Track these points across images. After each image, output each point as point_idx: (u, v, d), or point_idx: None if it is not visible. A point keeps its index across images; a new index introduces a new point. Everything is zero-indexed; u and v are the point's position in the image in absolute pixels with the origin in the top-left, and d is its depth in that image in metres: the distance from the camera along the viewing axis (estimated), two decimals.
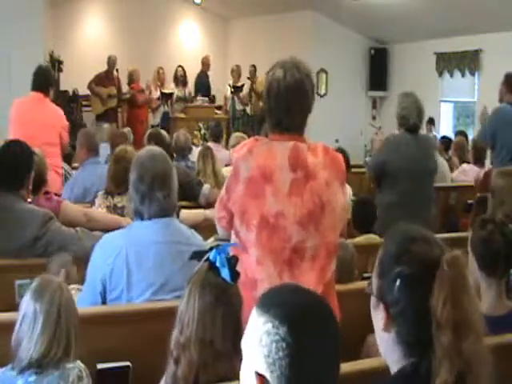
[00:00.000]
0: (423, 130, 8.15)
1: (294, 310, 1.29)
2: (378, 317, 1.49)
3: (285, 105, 2.36)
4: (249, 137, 6.33)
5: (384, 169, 4.54)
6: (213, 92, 11.70)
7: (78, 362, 2.09)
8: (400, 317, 1.47)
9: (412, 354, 1.47)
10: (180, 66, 11.06)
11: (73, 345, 2.08)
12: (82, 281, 2.77)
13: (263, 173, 2.31)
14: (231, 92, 11.34)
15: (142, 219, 2.65)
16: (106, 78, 10.37)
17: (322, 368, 1.27)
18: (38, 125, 5.31)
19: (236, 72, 11.32)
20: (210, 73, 11.67)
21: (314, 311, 1.31)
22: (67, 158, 6.36)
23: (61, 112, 5.77)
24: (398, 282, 1.46)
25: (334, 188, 2.37)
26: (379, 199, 4.58)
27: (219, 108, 11.47)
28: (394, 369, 1.52)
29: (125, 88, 10.67)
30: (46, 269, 2.95)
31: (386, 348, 1.51)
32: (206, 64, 11.58)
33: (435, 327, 1.41)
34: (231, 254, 1.91)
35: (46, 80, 5.60)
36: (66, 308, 2.08)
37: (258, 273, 2.33)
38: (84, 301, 2.63)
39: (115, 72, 10.58)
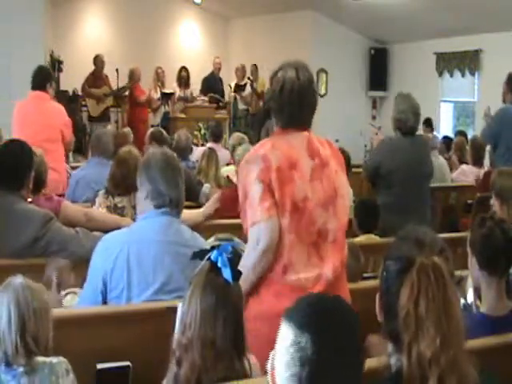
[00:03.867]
0: (419, 132, 8.14)
1: (319, 321, 1.30)
2: None
3: (299, 101, 2.53)
4: (248, 137, 6.39)
5: (378, 171, 4.57)
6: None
7: (61, 357, 2.09)
8: (384, 308, 1.55)
9: (397, 349, 1.50)
10: (183, 67, 11.04)
11: (48, 341, 2.08)
12: (81, 283, 2.76)
13: (289, 161, 2.45)
14: (233, 91, 11.33)
15: (165, 204, 2.66)
16: (97, 79, 10.29)
17: (341, 381, 1.28)
18: (38, 123, 5.34)
19: (240, 71, 11.29)
20: (221, 75, 11.64)
21: (339, 323, 1.33)
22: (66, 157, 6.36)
23: (61, 109, 5.77)
24: (384, 274, 1.57)
25: (340, 176, 2.58)
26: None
27: (223, 107, 11.44)
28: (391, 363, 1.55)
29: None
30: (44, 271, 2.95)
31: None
32: (215, 65, 11.56)
33: (400, 326, 1.48)
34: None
35: (42, 78, 5.60)
36: (19, 298, 2.05)
37: (287, 258, 2.41)
38: (85, 299, 2.64)
39: (117, 72, 10.57)
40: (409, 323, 1.46)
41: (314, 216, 2.44)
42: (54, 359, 2.07)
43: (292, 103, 2.52)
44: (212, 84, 11.35)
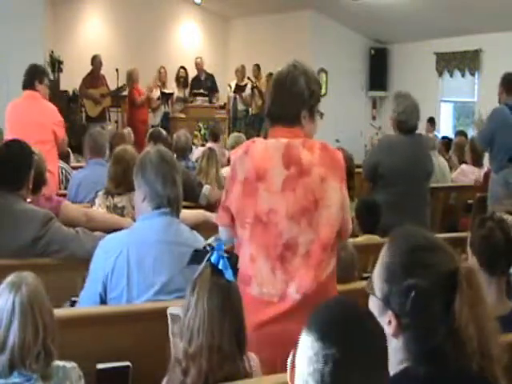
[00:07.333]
0: (422, 130, 8.14)
1: (339, 328, 1.24)
2: (384, 321, 1.46)
3: (274, 94, 2.43)
4: (248, 137, 6.39)
5: (377, 170, 4.52)
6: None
7: (73, 363, 2.07)
8: (411, 327, 1.43)
9: (418, 361, 1.44)
10: (182, 66, 11.04)
11: (55, 343, 2.02)
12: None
13: (257, 172, 2.34)
14: (234, 92, 11.34)
15: (161, 205, 2.65)
16: (94, 79, 10.27)
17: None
18: (28, 124, 5.24)
19: (240, 72, 11.32)
20: (215, 74, 11.65)
21: (360, 330, 1.25)
22: (65, 158, 6.35)
23: (52, 108, 5.63)
24: (412, 294, 1.41)
25: (328, 185, 2.36)
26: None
27: (222, 107, 11.45)
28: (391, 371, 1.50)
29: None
30: None
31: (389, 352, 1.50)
32: (196, 66, 11.57)
33: (457, 342, 1.41)
34: (226, 249, 1.92)
35: (29, 76, 5.50)
36: (38, 303, 1.99)
37: (251, 269, 2.35)
38: (84, 299, 2.63)
39: (116, 72, 10.56)
40: (470, 338, 1.40)
41: (280, 228, 2.32)
42: (68, 364, 2.05)
43: (269, 97, 2.47)
44: (198, 84, 11.35)
